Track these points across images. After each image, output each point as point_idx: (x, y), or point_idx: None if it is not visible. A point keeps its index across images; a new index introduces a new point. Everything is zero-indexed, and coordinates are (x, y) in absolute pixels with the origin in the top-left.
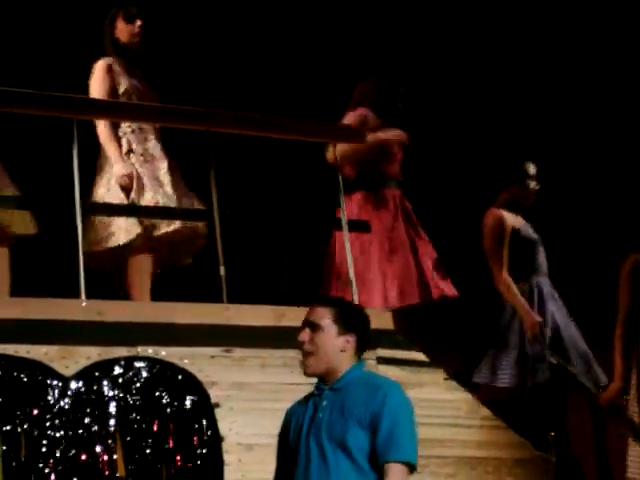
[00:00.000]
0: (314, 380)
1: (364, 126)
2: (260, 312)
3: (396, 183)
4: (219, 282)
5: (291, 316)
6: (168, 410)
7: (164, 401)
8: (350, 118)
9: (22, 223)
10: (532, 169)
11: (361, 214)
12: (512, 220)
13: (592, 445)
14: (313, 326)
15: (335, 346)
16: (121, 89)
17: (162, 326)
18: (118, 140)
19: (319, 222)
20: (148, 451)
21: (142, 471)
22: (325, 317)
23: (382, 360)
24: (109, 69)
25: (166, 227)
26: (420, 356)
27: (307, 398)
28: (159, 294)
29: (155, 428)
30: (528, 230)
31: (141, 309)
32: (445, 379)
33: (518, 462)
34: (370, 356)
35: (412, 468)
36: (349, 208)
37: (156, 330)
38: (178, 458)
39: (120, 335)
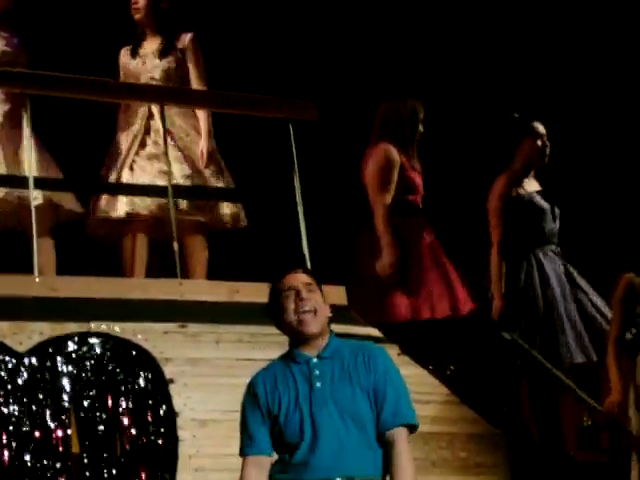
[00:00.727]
0: (271, 355)
1: (388, 164)
2: (214, 287)
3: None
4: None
5: (245, 292)
6: (122, 386)
7: (118, 377)
8: (375, 157)
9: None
10: (540, 127)
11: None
12: (518, 185)
13: (545, 419)
14: (310, 287)
15: (326, 310)
16: None
17: (116, 302)
18: None
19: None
20: (102, 427)
21: (96, 447)
22: (314, 283)
23: (336, 335)
24: None
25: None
26: (374, 332)
27: (281, 369)
28: None
29: (109, 404)
30: (535, 197)
31: (94, 285)
32: (399, 354)
33: (471, 437)
34: None
35: (414, 429)
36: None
37: (110, 306)
38: (132, 434)
39: (74, 311)
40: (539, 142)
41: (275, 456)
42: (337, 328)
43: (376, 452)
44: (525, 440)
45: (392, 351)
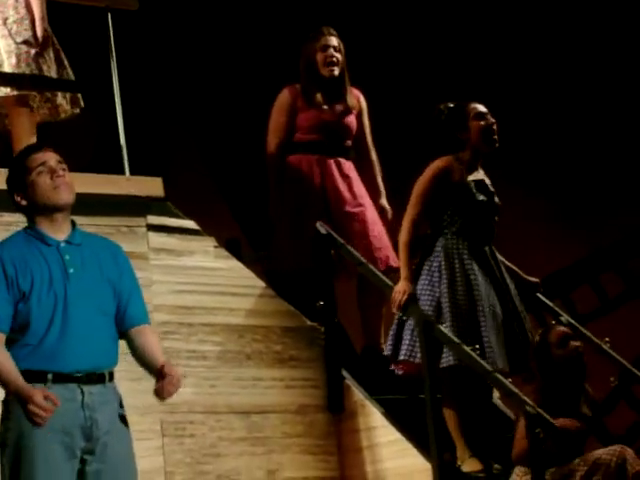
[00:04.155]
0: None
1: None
2: None
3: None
4: None
5: None
6: None
7: None
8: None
9: None
10: (480, 107)
11: None
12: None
13: (357, 315)
14: (63, 165)
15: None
16: None
17: None
18: None
19: None
20: None
21: None
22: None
23: (152, 227)
24: None
25: None
26: (190, 224)
27: (28, 247)
28: None
29: None
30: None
31: None
32: (215, 247)
33: (287, 330)
34: (140, 223)
35: None
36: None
37: None
38: None
39: None
40: (482, 122)
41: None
42: (154, 220)
43: (116, 343)
44: (339, 334)
45: (208, 243)
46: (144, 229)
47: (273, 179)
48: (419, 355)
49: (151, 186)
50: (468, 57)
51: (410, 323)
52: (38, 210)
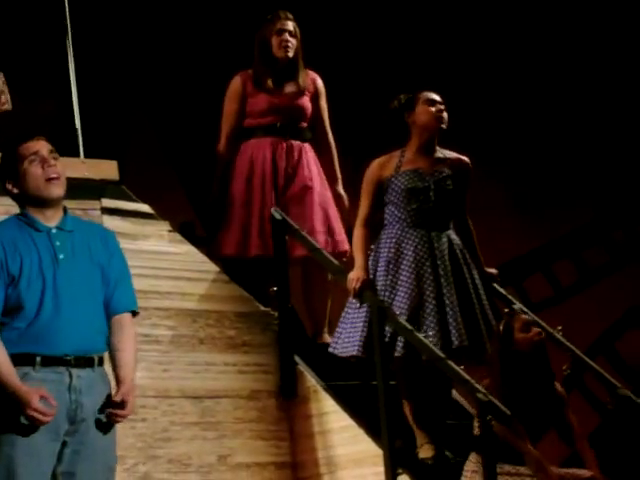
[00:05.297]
0: None
1: (236, 97)
2: None
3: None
4: None
5: None
6: None
7: None
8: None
9: None
10: (431, 94)
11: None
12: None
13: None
14: (54, 154)
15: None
16: None
17: None
18: None
19: None
20: None
21: None
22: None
23: (106, 210)
24: None
25: None
26: (145, 208)
27: (19, 232)
28: None
29: None
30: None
31: None
32: (169, 231)
33: (240, 315)
34: (94, 206)
35: (135, 315)
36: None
37: None
38: None
39: None
40: (430, 108)
41: None
42: (109, 203)
43: (104, 328)
44: (292, 319)
45: (163, 227)
46: (98, 212)
47: (219, 167)
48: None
49: (106, 169)
50: (435, 41)
51: (353, 316)
52: (30, 199)
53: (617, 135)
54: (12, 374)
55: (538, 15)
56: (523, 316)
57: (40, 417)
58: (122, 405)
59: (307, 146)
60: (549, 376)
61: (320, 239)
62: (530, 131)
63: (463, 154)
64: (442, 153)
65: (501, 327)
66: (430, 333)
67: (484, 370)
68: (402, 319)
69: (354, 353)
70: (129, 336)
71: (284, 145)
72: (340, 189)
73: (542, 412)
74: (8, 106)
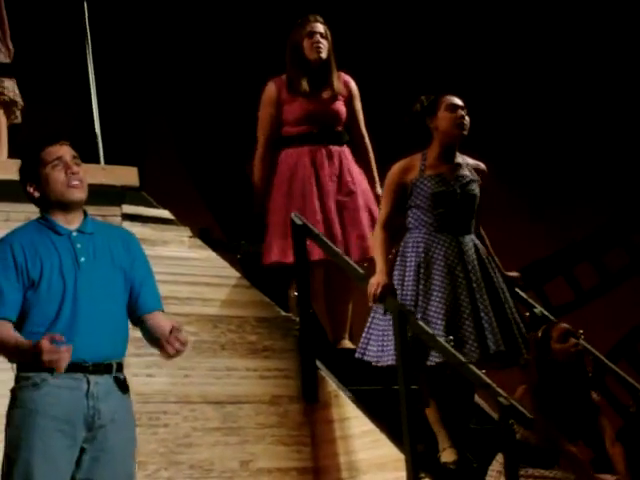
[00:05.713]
0: None
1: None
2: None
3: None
4: None
5: None
6: None
7: None
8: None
9: None
10: (455, 99)
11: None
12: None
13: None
14: (76, 160)
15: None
16: None
17: None
18: None
19: None
20: None
21: None
22: (78, 156)
23: (127, 217)
24: None
25: None
26: (165, 213)
27: (39, 236)
28: None
29: None
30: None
31: None
32: (190, 237)
33: (262, 320)
34: (115, 212)
35: None
36: None
37: None
38: None
39: None
40: (452, 114)
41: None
42: (129, 209)
43: (126, 333)
44: (314, 326)
45: (183, 233)
46: (119, 218)
47: (259, 175)
48: (385, 356)
49: (126, 175)
50: (453, 48)
51: (384, 323)
52: (51, 204)
53: (634, 138)
54: (12, 338)
55: (551, 20)
56: (561, 325)
57: (56, 356)
58: (179, 333)
59: (346, 149)
60: (585, 385)
61: (364, 244)
62: (547, 135)
63: (480, 159)
64: (462, 158)
65: (539, 335)
66: (471, 337)
67: (521, 376)
68: (430, 326)
69: (390, 362)
70: (163, 318)
71: (323, 151)
72: (379, 190)
73: (576, 419)
74: (18, 120)
